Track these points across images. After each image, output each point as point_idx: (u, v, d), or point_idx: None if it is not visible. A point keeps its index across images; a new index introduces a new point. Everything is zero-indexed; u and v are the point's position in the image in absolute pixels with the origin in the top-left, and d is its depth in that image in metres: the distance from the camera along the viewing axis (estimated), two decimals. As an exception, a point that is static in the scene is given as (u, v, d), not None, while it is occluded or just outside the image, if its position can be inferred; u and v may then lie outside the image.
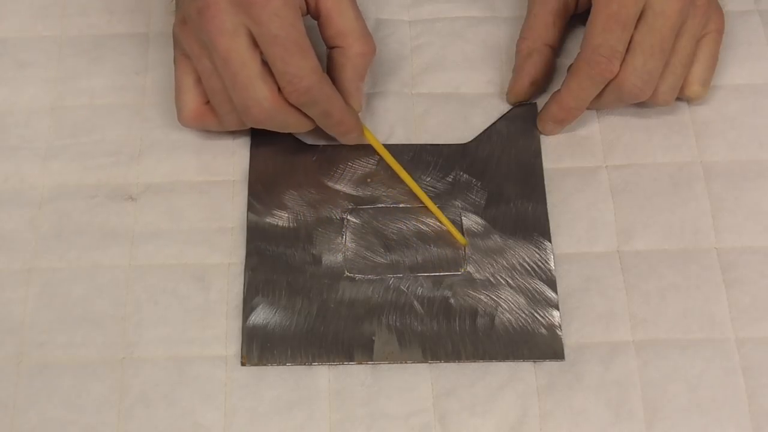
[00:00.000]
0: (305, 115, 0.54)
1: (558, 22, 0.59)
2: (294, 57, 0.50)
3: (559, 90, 0.57)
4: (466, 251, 0.55)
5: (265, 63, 0.51)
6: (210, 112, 0.55)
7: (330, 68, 0.55)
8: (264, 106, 0.52)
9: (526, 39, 0.59)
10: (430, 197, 0.57)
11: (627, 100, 0.56)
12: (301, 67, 0.50)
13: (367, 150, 0.58)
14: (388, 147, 0.58)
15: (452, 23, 0.63)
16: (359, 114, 0.56)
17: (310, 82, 0.51)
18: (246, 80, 0.51)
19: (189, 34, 0.52)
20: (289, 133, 0.58)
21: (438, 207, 0.56)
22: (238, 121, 0.54)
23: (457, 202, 0.57)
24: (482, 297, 0.54)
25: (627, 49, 0.54)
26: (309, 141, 0.58)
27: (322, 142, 0.58)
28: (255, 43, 0.50)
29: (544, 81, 0.59)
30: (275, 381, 0.52)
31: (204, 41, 0.51)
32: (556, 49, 0.60)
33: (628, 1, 0.53)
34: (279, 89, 0.52)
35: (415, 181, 0.57)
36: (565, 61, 0.61)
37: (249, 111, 0.52)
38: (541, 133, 0.59)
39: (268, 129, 0.55)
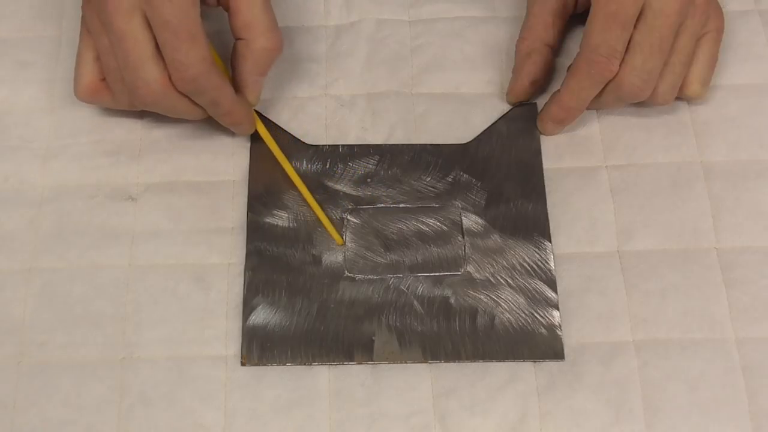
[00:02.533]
0: (196, 102, 0.54)
1: (557, 22, 0.59)
2: (183, 44, 0.50)
3: (558, 90, 0.57)
4: (466, 251, 0.55)
5: (157, 49, 0.51)
6: (105, 88, 0.55)
7: (233, 59, 0.55)
8: (152, 88, 0.51)
9: (526, 39, 0.59)
10: (430, 197, 0.57)
11: (627, 99, 0.56)
12: (189, 55, 0.50)
13: (368, 150, 0.58)
14: (389, 147, 0.58)
15: (452, 23, 0.63)
16: (265, 107, 0.57)
17: (197, 71, 0.51)
18: (137, 61, 0.51)
19: (92, 11, 0.53)
20: (288, 133, 0.58)
21: (436, 206, 0.56)
22: (130, 101, 0.54)
23: (457, 202, 0.57)
24: (482, 297, 0.54)
25: (626, 49, 0.54)
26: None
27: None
28: (150, 27, 0.51)
29: (543, 81, 0.59)
30: (275, 381, 0.52)
31: (103, 19, 0.51)
32: (556, 49, 0.60)
33: (627, 0, 0.53)
34: (169, 76, 0.52)
35: (415, 181, 0.57)
36: (565, 60, 0.61)
37: (138, 92, 0.52)
38: (541, 133, 0.59)
39: (159, 113, 0.55)
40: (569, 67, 0.57)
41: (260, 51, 0.54)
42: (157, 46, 0.51)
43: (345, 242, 0.55)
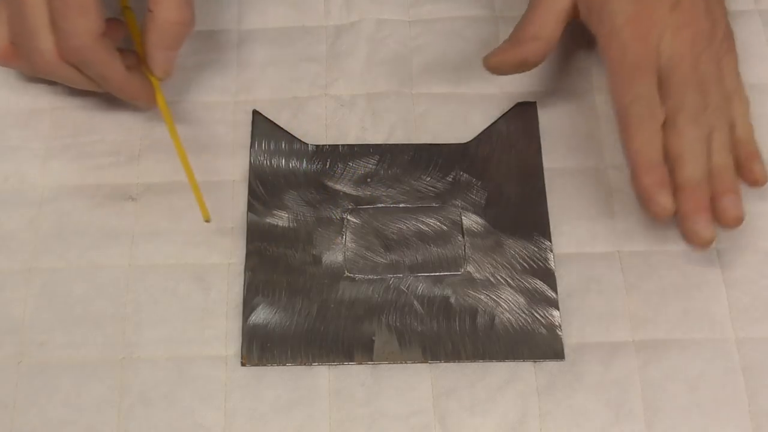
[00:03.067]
0: (123, 68, 0.54)
1: (561, 23, 0.57)
2: (71, 14, 0.50)
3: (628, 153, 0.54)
4: (466, 251, 0.55)
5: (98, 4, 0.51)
6: (15, 53, 0.55)
7: (142, 31, 0.55)
8: (46, 57, 0.52)
9: (533, 24, 0.56)
10: (430, 197, 0.57)
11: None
12: (76, 26, 0.50)
13: (368, 150, 0.58)
14: (389, 147, 0.58)
15: (452, 23, 0.63)
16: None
17: (82, 43, 0.51)
18: (33, 28, 0.51)
19: None
20: (288, 133, 0.58)
21: (436, 206, 0.56)
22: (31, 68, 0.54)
23: (457, 202, 0.57)
24: (482, 297, 0.54)
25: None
26: None
27: None
28: None
29: (531, 67, 0.57)
30: (275, 381, 0.52)
31: None
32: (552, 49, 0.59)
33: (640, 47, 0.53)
34: (104, 33, 0.52)
35: (415, 181, 0.57)
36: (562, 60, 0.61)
37: (32, 59, 0.52)
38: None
39: (58, 81, 0.55)
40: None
41: (166, 23, 0.54)
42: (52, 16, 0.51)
43: (345, 242, 0.55)
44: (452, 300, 0.54)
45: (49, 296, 0.54)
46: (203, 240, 0.55)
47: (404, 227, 0.56)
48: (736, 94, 0.55)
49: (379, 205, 0.56)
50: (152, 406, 0.51)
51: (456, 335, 0.53)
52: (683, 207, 0.52)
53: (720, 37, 0.55)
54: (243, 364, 0.52)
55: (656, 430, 0.51)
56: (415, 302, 0.54)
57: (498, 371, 0.52)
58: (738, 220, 0.53)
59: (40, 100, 0.60)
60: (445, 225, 0.56)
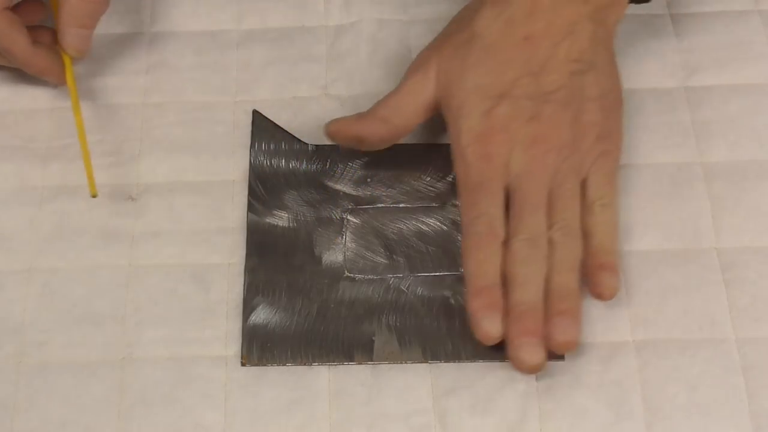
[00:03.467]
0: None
1: (418, 115, 0.55)
2: None
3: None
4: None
5: None
6: None
7: (57, 8, 0.56)
8: None
9: (377, 108, 0.55)
10: (430, 197, 0.57)
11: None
12: None
13: (368, 150, 0.58)
14: (389, 147, 0.58)
15: (452, 23, 0.63)
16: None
17: None
18: None
19: None
20: (288, 133, 0.58)
21: (436, 206, 0.56)
22: None
23: (457, 202, 0.56)
24: (482, 297, 0.54)
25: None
26: None
27: None
28: None
29: (369, 147, 0.56)
30: (275, 381, 0.52)
31: None
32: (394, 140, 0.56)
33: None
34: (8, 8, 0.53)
35: (415, 181, 0.57)
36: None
37: None
38: None
39: None
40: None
41: (78, 1, 0.55)
42: None
43: (345, 242, 0.55)
44: (452, 300, 0.54)
45: (49, 296, 0.54)
46: (203, 240, 0.55)
47: (404, 227, 0.56)
48: (598, 202, 0.53)
49: (379, 205, 0.56)
50: (152, 406, 0.51)
51: (456, 335, 0.53)
52: (509, 331, 0.50)
53: (587, 145, 0.53)
54: (243, 364, 0.52)
55: (656, 430, 0.51)
56: (415, 302, 0.54)
57: (498, 371, 0.52)
58: (565, 346, 0.50)
59: (40, 100, 0.60)
60: (445, 225, 0.56)
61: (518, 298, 0.50)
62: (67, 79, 0.57)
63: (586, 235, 0.52)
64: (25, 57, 0.56)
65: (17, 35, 0.55)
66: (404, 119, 0.55)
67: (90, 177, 0.54)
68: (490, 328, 0.50)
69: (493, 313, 0.50)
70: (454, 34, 0.56)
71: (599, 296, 0.52)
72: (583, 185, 0.53)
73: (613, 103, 0.55)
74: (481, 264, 0.51)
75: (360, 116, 0.55)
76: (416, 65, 0.56)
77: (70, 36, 0.56)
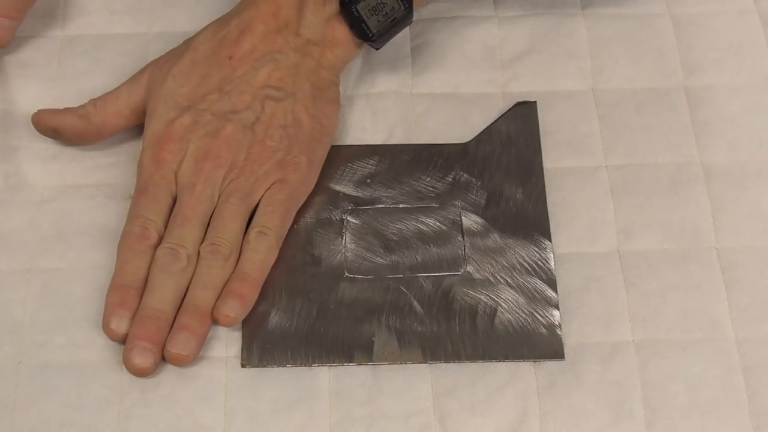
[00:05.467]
0: None
1: (121, 119, 0.56)
2: None
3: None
4: (466, 251, 0.55)
5: None
6: None
7: None
8: None
9: (86, 104, 0.56)
10: (430, 197, 0.57)
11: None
12: None
13: (367, 150, 0.58)
14: (389, 147, 0.58)
15: (452, 23, 0.63)
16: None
17: None
18: None
19: None
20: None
21: (436, 206, 0.56)
22: None
23: (457, 202, 0.57)
24: (482, 297, 0.54)
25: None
26: None
27: None
28: None
29: (64, 141, 0.57)
30: (275, 381, 0.52)
31: None
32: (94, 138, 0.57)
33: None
34: None
35: (415, 181, 0.57)
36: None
37: None
38: None
39: None
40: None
41: None
42: None
43: (345, 243, 0.55)
44: (452, 300, 0.54)
45: (49, 296, 0.54)
46: (203, 240, 0.55)
47: (404, 227, 0.56)
48: (256, 229, 0.53)
49: (379, 206, 0.56)
50: (152, 406, 0.51)
51: (456, 335, 0.53)
52: (130, 331, 0.51)
53: (264, 170, 0.54)
54: (243, 366, 0.52)
55: (656, 430, 0.51)
56: (415, 302, 0.54)
57: (498, 371, 0.52)
58: (177, 359, 0.51)
59: (41, 100, 0.60)
60: (444, 225, 0.56)
61: (146, 301, 0.51)
62: None
63: (239, 259, 0.53)
64: None
65: None
66: (105, 118, 0.56)
67: None
68: (116, 326, 0.51)
69: (123, 312, 0.51)
70: (177, 47, 0.57)
71: (216, 320, 0.52)
72: (255, 210, 0.54)
73: (309, 135, 0.55)
74: (126, 263, 0.52)
75: (65, 109, 0.56)
76: (138, 72, 0.57)
77: None
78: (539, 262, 0.55)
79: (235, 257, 0.53)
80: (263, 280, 0.53)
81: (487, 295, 0.54)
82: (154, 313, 0.51)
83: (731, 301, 0.54)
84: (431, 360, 0.52)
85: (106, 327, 0.52)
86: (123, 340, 0.51)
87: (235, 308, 0.52)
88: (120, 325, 0.51)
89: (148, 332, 0.50)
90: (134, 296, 0.52)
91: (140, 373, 0.50)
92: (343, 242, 0.55)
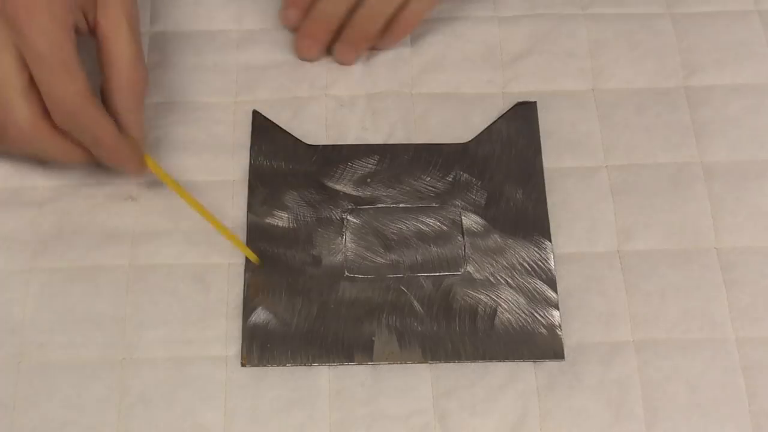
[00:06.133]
0: (75, 143, 0.51)
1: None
2: (60, 78, 0.48)
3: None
4: (466, 251, 0.55)
5: (32, 85, 0.48)
6: None
7: (104, 95, 0.53)
8: (22, 127, 0.48)
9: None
10: (430, 197, 0.57)
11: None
12: (66, 89, 0.48)
13: (368, 150, 0.58)
14: (389, 147, 0.58)
15: (452, 23, 0.63)
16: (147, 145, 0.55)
17: (76, 106, 0.48)
18: (6, 98, 0.48)
19: None
20: (288, 133, 0.58)
21: (436, 206, 0.56)
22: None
23: (457, 202, 0.57)
24: (482, 297, 0.54)
25: None
26: None
27: None
28: (24, 63, 0.48)
29: None
30: (275, 381, 0.52)
31: None
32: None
33: None
34: (43, 113, 0.49)
35: (415, 181, 0.57)
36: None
37: (6, 131, 0.49)
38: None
39: (31, 156, 0.51)
40: None
41: (128, 84, 0.52)
42: (28, 83, 0.48)
43: (345, 242, 0.55)
44: (452, 300, 0.54)
45: (49, 296, 0.54)
46: (203, 240, 0.55)
47: (404, 227, 0.56)
48: None
49: (379, 206, 0.56)
50: (152, 406, 0.51)
51: (456, 335, 0.53)
52: (302, 25, 0.60)
53: None
54: (243, 365, 0.52)
55: (656, 430, 0.51)
56: (415, 302, 0.54)
57: (498, 371, 0.52)
58: (338, 61, 0.60)
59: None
60: (445, 225, 0.56)
61: (321, 4, 0.59)
62: (152, 167, 0.54)
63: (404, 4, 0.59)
64: (115, 144, 0.52)
65: (106, 121, 0.51)
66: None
67: (243, 247, 0.54)
68: (292, 16, 0.60)
69: (300, 5, 0.60)
70: None
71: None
72: None
73: None
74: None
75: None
76: None
77: (133, 122, 0.53)
78: (539, 263, 0.55)
79: None
80: (413, 29, 0.61)
81: (487, 295, 0.54)
82: (325, 16, 0.59)
83: (731, 301, 0.54)
84: (431, 360, 0.52)
85: (282, 13, 0.61)
86: (293, 28, 0.61)
87: (389, 45, 0.61)
88: (294, 16, 0.60)
89: (318, 31, 0.59)
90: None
91: (304, 59, 0.60)
92: (343, 242, 0.55)
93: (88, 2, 0.50)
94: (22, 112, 0.48)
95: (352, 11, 0.59)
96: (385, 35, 0.60)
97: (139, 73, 0.53)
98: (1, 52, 0.47)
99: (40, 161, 0.53)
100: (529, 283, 0.54)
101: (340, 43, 0.60)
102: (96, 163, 0.55)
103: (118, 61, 0.52)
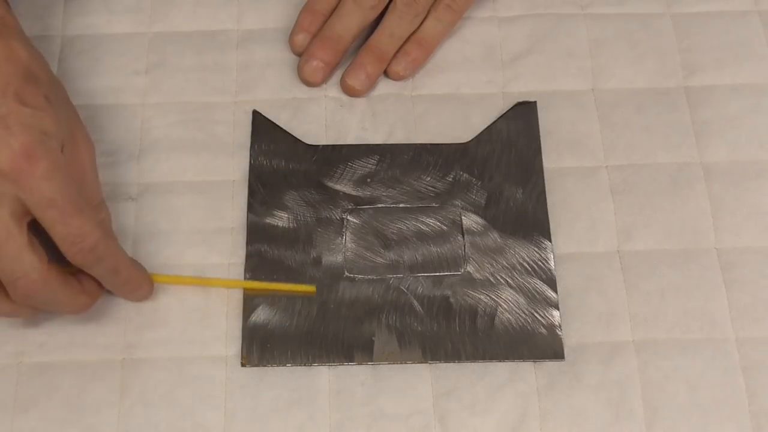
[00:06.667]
0: (79, 289, 0.50)
1: None
2: (73, 217, 0.47)
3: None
4: (466, 251, 0.55)
5: (30, 234, 0.48)
6: None
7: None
8: (33, 277, 0.47)
9: None
10: (430, 197, 0.57)
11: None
12: (82, 226, 0.48)
13: (367, 150, 0.58)
14: (389, 147, 0.58)
15: (452, 23, 0.63)
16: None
17: (95, 239, 0.48)
18: (12, 252, 0.47)
19: None
20: (288, 133, 0.58)
21: (436, 206, 0.56)
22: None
23: (457, 202, 0.57)
24: (482, 297, 0.54)
25: None
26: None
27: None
28: (21, 212, 0.47)
29: None
30: (275, 381, 0.52)
31: None
32: None
33: None
34: (49, 261, 0.48)
35: (415, 181, 0.57)
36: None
37: (17, 284, 0.48)
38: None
39: (37, 309, 0.50)
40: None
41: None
42: (29, 234, 0.47)
43: (345, 242, 0.55)
44: (452, 300, 0.54)
45: (49, 296, 0.54)
46: (203, 240, 0.55)
47: (404, 227, 0.56)
48: (445, 1, 0.60)
49: (379, 206, 0.56)
50: (152, 406, 0.51)
51: (456, 335, 0.53)
52: (309, 46, 0.60)
53: None
54: (243, 365, 0.52)
55: (656, 430, 0.51)
56: (415, 302, 0.54)
57: (498, 371, 0.52)
58: (349, 90, 0.60)
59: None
60: (445, 225, 0.56)
61: (330, 24, 0.59)
62: (163, 281, 0.54)
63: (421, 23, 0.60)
64: (131, 272, 0.52)
65: (122, 250, 0.51)
66: None
67: (298, 287, 0.54)
68: (301, 40, 0.60)
69: (310, 30, 0.60)
70: None
71: (386, 73, 0.60)
72: None
73: None
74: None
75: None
76: None
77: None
78: (539, 262, 0.55)
79: (422, 18, 0.60)
80: (435, 50, 0.61)
81: (487, 295, 0.54)
82: (335, 36, 0.59)
83: (731, 301, 0.54)
84: (431, 360, 0.52)
85: (291, 39, 0.60)
86: (301, 53, 0.60)
87: (406, 68, 0.60)
88: (304, 41, 0.60)
89: (325, 51, 0.59)
90: (321, 23, 0.60)
91: (308, 84, 0.60)
92: (343, 242, 0.55)
93: (65, 140, 0.49)
94: (32, 263, 0.47)
95: (364, 30, 0.60)
96: (400, 57, 0.60)
97: (105, 210, 0.52)
98: (0, 207, 0.46)
99: (37, 316, 0.52)
100: (529, 283, 0.54)
101: (351, 66, 0.60)
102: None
103: (91, 201, 0.51)
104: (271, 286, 0.54)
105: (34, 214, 0.47)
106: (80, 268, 0.49)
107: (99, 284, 0.51)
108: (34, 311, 0.50)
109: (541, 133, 0.59)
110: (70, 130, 0.50)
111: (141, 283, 0.53)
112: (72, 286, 0.50)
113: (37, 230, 0.48)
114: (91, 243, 0.48)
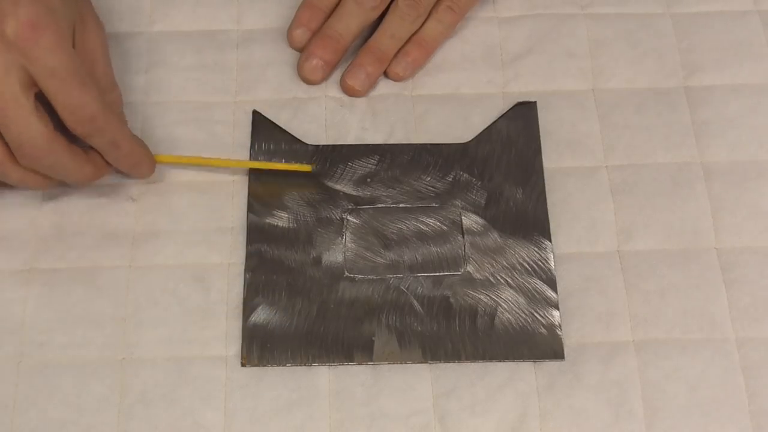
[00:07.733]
0: (85, 158, 0.52)
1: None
2: (75, 88, 0.49)
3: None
4: (466, 251, 0.55)
5: (38, 102, 0.49)
6: None
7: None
8: (38, 143, 0.49)
9: None
10: (430, 197, 0.57)
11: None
12: (83, 97, 0.49)
13: (368, 150, 0.58)
14: (389, 147, 0.58)
15: (452, 23, 0.63)
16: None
17: (94, 110, 0.50)
18: (19, 117, 0.49)
19: None
20: (288, 133, 0.58)
21: (436, 206, 0.56)
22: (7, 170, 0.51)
23: (457, 202, 0.57)
24: (482, 297, 0.54)
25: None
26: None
27: None
28: (29, 82, 0.49)
29: None
30: (275, 381, 0.52)
31: None
32: None
33: None
34: (55, 128, 0.50)
35: (415, 181, 0.57)
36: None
37: (23, 150, 0.50)
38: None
39: (43, 172, 0.52)
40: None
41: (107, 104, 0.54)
42: (36, 101, 0.49)
43: (345, 242, 0.55)
44: (452, 300, 0.54)
45: (49, 296, 0.54)
46: (203, 240, 0.55)
47: (404, 227, 0.56)
48: (446, 2, 0.60)
49: (379, 205, 0.56)
50: (152, 406, 0.51)
51: (456, 335, 0.53)
52: (309, 44, 0.60)
53: None
54: (243, 365, 0.52)
55: (656, 430, 0.51)
56: (415, 302, 0.54)
57: (498, 371, 0.52)
58: (349, 90, 0.60)
59: (40, 100, 0.60)
60: (444, 225, 0.56)
61: (331, 23, 0.60)
62: (166, 160, 0.56)
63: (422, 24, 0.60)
64: (131, 147, 0.53)
65: (124, 125, 0.52)
66: None
67: (291, 166, 0.57)
68: (300, 36, 0.60)
69: (308, 26, 0.60)
70: None
71: (386, 73, 0.60)
72: None
73: None
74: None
75: None
76: None
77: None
78: (539, 262, 0.55)
79: (423, 19, 0.60)
80: (435, 51, 0.61)
81: (487, 295, 0.54)
82: (335, 35, 0.59)
83: (731, 301, 0.54)
84: (431, 360, 0.52)
85: (290, 34, 0.61)
86: (301, 49, 0.60)
87: (406, 69, 0.60)
88: (303, 36, 0.60)
89: (325, 50, 0.59)
90: (321, 19, 0.60)
91: (308, 82, 0.60)
92: (343, 242, 0.55)
93: (75, 21, 0.51)
94: (38, 128, 0.49)
95: (365, 30, 0.60)
96: (400, 58, 0.60)
97: (117, 92, 0.55)
98: (7, 75, 0.48)
99: (46, 188, 0.54)
100: (529, 283, 0.54)
101: (351, 66, 0.60)
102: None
103: (100, 82, 0.53)
104: (269, 166, 0.57)
105: (38, 84, 0.49)
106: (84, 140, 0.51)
107: (105, 159, 0.53)
108: (43, 180, 0.53)
109: (541, 133, 0.59)
110: (80, 13, 0.52)
111: (142, 159, 0.54)
112: (77, 153, 0.52)
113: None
114: (89, 113, 0.50)
